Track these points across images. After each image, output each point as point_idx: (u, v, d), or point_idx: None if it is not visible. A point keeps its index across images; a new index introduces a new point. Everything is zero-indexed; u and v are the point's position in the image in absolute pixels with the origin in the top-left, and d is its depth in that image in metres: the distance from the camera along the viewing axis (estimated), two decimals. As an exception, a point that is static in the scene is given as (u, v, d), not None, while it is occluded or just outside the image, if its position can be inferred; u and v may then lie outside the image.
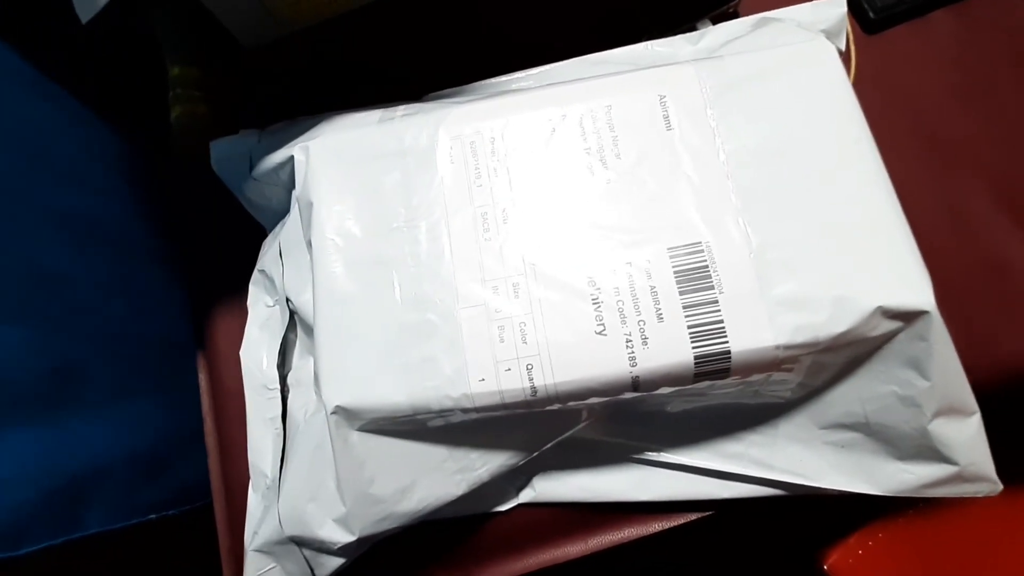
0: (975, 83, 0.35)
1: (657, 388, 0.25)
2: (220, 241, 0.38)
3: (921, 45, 0.36)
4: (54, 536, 0.30)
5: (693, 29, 0.34)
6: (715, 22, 0.34)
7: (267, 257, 0.33)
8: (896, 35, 0.37)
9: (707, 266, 0.25)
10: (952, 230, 0.33)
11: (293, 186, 0.30)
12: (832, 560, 0.44)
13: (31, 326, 0.31)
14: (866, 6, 0.36)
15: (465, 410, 0.25)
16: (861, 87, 0.28)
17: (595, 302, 0.25)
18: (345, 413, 0.25)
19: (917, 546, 0.44)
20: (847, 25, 0.31)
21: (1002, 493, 0.26)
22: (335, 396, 0.25)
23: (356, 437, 0.26)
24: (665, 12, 0.36)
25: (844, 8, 0.30)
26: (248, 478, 0.33)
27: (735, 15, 0.35)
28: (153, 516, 0.38)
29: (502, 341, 0.25)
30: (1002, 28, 0.36)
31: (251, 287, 0.34)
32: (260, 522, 0.29)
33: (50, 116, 0.38)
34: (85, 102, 0.41)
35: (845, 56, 0.30)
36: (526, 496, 0.31)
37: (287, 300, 0.30)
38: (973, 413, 0.25)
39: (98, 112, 0.42)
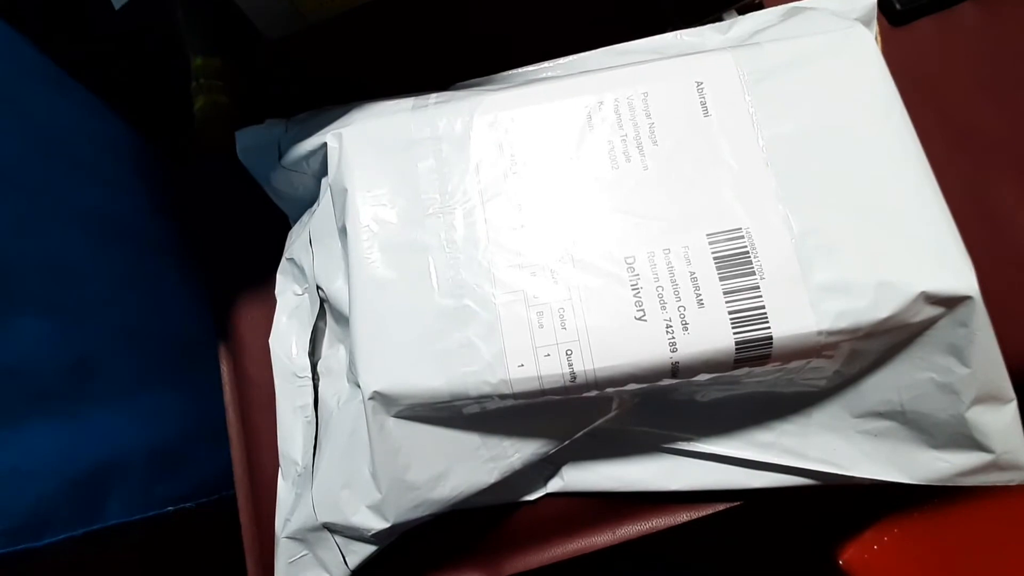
0: (1003, 75, 0.35)
1: (696, 374, 0.25)
2: (239, 233, 0.38)
3: (948, 37, 0.36)
4: (75, 527, 0.30)
5: (719, 20, 0.34)
6: (740, 13, 0.34)
7: (295, 246, 0.33)
8: (922, 27, 0.36)
9: (748, 252, 0.25)
10: (982, 222, 0.33)
11: (323, 174, 0.30)
12: (847, 555, 0.44)
13: (52, 319, 0.31)
14: (892, -2, 0.36)
15: (503, 396, 0.25)
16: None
17: (634, 288, 0.25)
18: (382, 399, 0.25)
19: (933, 540, 0.44)
20: (876, 15, 0.31)
21: (1021, 488, 0.26)
22: (373, 382, 0.25)
23: (392, 423, 0.26)
24: (691, 3, 0.36)
25: (874, -3, 0.30)
26: (272, 467, 0.33)
27: (760, 5, 0.35)
28: (171, 508, 0.37)
29: (541, 327, 0.25)
30: (1029, 19, 0.36)
31: (278, 276, 0.34)
32: (292, 509, 0.29)
33: (67, 111, 0.38)
34: (103, 97, 0.41)
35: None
36: (554, 485, 0.31)
37: (317, 288, 0.30)
38: (1010, 400, 0.25)
39: (115, 106, 0.42)
